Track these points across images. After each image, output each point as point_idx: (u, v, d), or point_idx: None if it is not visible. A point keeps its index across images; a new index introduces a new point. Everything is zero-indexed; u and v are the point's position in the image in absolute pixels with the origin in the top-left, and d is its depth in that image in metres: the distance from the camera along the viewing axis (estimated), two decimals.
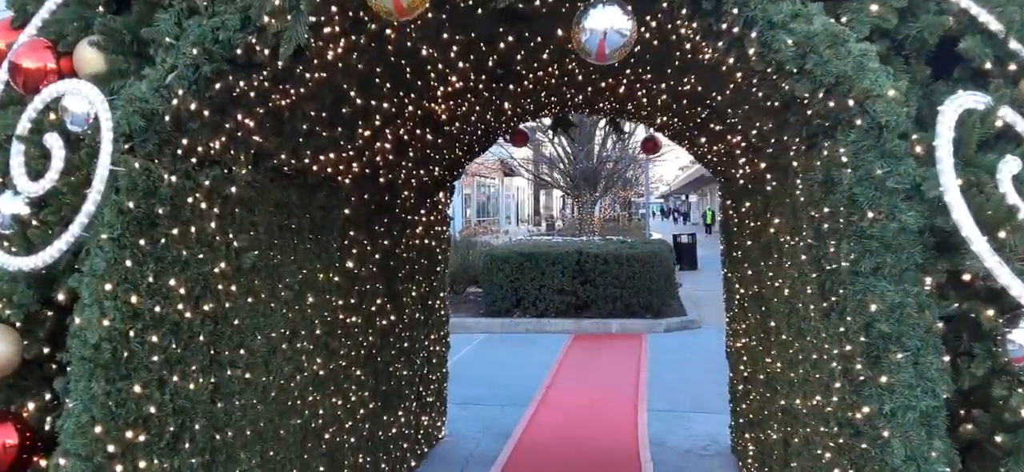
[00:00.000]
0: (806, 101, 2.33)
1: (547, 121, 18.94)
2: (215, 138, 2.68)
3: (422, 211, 5.15)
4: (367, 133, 3.56)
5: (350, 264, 4.02)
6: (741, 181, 4.28)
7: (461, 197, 39.68)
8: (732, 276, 5.12)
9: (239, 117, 2.73)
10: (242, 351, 3.02)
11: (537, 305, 11.72)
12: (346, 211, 3.89)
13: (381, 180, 4.34)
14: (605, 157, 20.89)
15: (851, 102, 2.25)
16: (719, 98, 3.28)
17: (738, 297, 4.88)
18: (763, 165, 3.43)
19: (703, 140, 4.33)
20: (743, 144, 3.48)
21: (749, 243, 4.24)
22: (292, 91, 2.87)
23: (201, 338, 2.69)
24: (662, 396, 7.65)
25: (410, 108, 3.74)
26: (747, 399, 4.76)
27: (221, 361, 2.86)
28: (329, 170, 3.54)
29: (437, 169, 5.16)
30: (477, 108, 4.50)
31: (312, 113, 3.05)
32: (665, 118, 4.53)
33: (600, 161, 20.40)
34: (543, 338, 11.02)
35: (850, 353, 2.33)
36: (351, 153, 3.61)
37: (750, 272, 4.24)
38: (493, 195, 47.73)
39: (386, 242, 4.57)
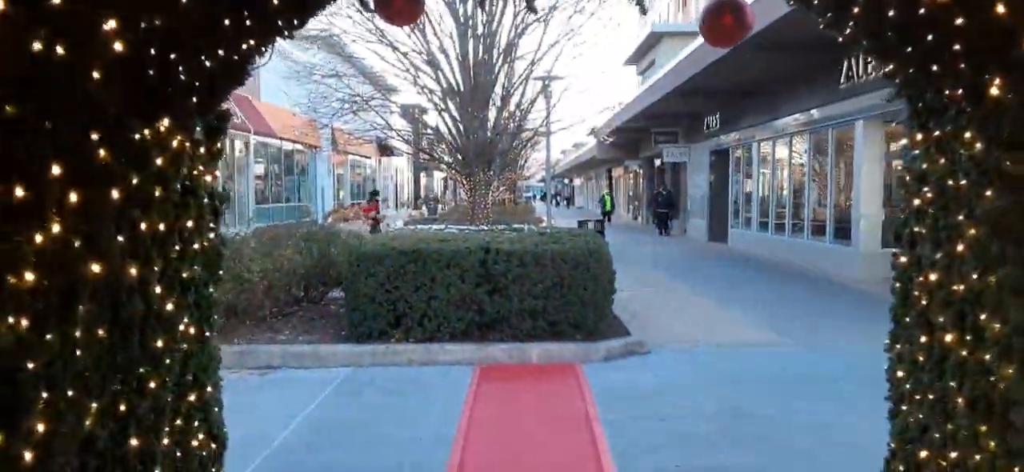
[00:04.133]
0: None
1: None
2: None
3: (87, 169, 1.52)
4: None
5: None
6: None
7: (332, 177, 35.35)
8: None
9: None
10: None
11: (425, 325, 8.15)
12: None
13: None
14: (501, 128, 17.47)
15: None
16: None
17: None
18: None
19: None
20: None
21: None
22: None
23: None
24: None
25: None
26: None
27: None
28: None
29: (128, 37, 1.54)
30: None
31: None
32: None
33: (497, 133, 16.93)
34: (434, 374, 7.49)
35: None
36: None
37: None
38: (369, 176, 43.69)
39: None
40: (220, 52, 2.01)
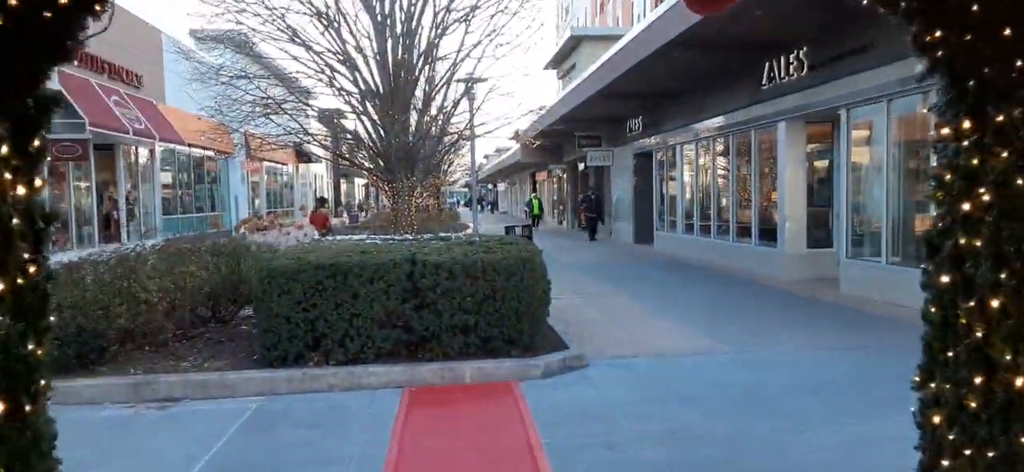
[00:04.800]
0: None
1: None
2: None
3: None
4: None
5: None
6: None
7: (247, 185, 33.69)
8: None
9: None
10: None
11: (348, 346, 7.42)
12: None
13: None
14: (424, 132, 16.75)
15: None
16: None
17: None
18: None
19: None
20: None
21: None
22: None
23: None
24: None
25: None
26: None
27: None
28: None
29: None
30: None
31: None
32: None
33: (419, 137, 16.20)
34: (358, 400, 6.79)
35: None
36: None
37: None
38: (286, 183, 42.06)
39: None
40: (12, 2, 1.33)
